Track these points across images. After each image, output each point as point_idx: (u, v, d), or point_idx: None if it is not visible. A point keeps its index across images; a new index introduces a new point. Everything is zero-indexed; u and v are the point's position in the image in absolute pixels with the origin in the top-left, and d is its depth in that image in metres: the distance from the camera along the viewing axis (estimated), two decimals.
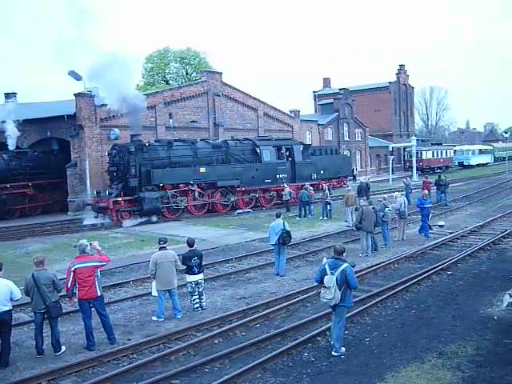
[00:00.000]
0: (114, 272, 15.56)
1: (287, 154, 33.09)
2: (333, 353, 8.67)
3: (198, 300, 11.58)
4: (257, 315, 10.70)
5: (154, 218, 26.84)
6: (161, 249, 11.24)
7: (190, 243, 11.84)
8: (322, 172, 36.76)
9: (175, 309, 11.20)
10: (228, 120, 41.01)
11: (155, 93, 36.87)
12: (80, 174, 31.48)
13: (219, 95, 40.00)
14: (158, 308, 11.06)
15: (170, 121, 36.46)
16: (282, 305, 11.37)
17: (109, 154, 27.62)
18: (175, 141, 29.54)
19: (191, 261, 11.46)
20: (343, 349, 8.78)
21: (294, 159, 33.28)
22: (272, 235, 14.77)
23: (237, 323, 10.27)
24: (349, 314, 10.33)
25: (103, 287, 10.91)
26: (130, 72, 27.31)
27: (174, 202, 27.38)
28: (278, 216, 15.15)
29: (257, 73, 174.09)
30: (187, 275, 11.66)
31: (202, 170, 28.56)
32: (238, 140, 33.29)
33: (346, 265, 8.60)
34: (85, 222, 26.33)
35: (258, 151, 31.64)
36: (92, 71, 25.61)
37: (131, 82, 29.75)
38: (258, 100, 44.53)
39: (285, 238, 14.55)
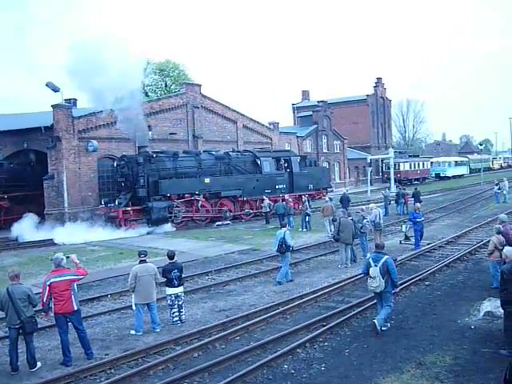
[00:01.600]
0: (92, 286, 15.37)
1: (285, 165, 34.21)
2: (382, 328, 10.25)
3: (177, 313, 11.48)
4: (236, 328, 10.65)
5: (167, 230, 27.29)
6: (141, 262, 11.14)
7: (170, 256, 11.76)
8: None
9: (154, 322, 11.09)
10: (207, 132, 40.97)
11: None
12: (57, 186, 31.05)
13: (198, 107, 39.99)
14: (137, 322, 10.93)
15: (150, 133, 36.30)
16: (261, 317, 11.33)
17: (117, 165, 28.27)
18: (182, 152, 30.73)
19: (171, 273, 11.39)
20: (388, 325, 10.52)
21: (291, 170, 34.34)
22: (275, 243, 15.44)
23: (216, 336, 10.20)
24: (328, 326, 10.39)
25: (80, 301, 10.76)
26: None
27: (178, 212, 28.03)
28: (282, 226, 16.01)
29: (236, 85, 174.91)
30: (167, 288, 11.58)
31: (207, 180, 29.57)
32: (239, 151, 34.93)
33: (386, 257, 10.33)
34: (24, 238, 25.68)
35: (259, 162, 32.82)
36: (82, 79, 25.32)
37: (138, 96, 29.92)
38: (238, 112, 44.63)
39: (280, 247, 15.09)
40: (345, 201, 28.93)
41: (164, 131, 37.67)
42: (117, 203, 27.14)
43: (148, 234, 26.68)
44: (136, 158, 27.63)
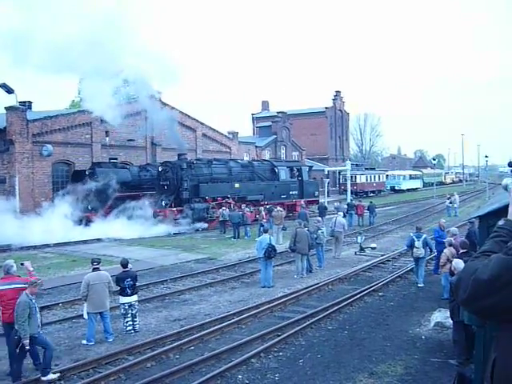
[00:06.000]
0: (42, 294, 14.88)
1: (297, 173, 38.07)
2: (419, 285, 15.29)
3: (130, 322, 11.28)
4: (191, 337, 10.55)
5: (202, 226, 29.85)
6: (94, 270, 10.92)
7: (124, 264, 11.57)
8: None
9: (107, 332, 10.86)
10: (166, 140, 40.67)
11: (90, 110, 36.03)
12: (9, 190, 30.17)
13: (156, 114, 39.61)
14: (89, 331, 10.68)
15: (107, 139, 35.77)
16: (216, 327, 11.27)
17: (162, 170, 30.86)
18: (214, 160, 34.18)
19: (124, 282, 11.19)
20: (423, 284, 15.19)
21: (302, 178, 38.22)
22: (259, 249, 15.75)
23: (170, 346, 10.07)
24: (283, 336, 10.42)
25: None
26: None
27: (213, 213, 30.79)
28: (265, 231, 16.56)
29: (196, 95, 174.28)
30: (120, 297, 11.37)
31: (237, 185, 33.10)
32: (259, 161, 40.20)
33: (425, 235, 15.69)
34: None
35: (276, 171, 36.54)
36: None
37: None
38: (197, 120, 44.52)
39: (270, 252, 15.43)
40: (322, 210, 30.92)
41: (122, 137, 37.19)
42: (163, 204, 29.55)
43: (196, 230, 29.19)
44: (180, 164, 30.61)
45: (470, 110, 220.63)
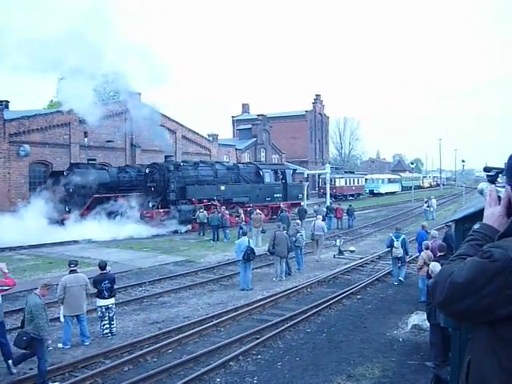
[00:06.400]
0: (18, 296, 14.65)
1: (281, 176, 38.40)
2: (395, 283, 16.07)
3: (107, 325, 11.16)
4: (169, 340, 10.48)
5: (184, 229, 30.00)
6: (71, 272, 10.78)
7: (102, 266, 11.45)
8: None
9: (83, 335, 10.72)
10: (145, 141, 40.42)
11: (70, 110, 35.67)
12: None
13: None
14: (65, 334, 10.53)
15: (85, 139, 35.39)
16: (195, 329, 11.22)
17: (149, 172, 30.95)
18: (200, 162, 34.76)
19: (102, 284, 11.08)
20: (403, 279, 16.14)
21: (286, 181, 38.50)
22: (238, 252, 15.70)
23: (148, 349, 9.98)
24: (261, 339, 10.41)
25: (5, 312, 10.28)
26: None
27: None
28: (244, 234, 16.90)
29: (175, 96, 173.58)
30: (97, 299, 11.25)
31: (223, 187, 33.24)
32: (244, 163, 40.81)
33: (403, 236, 16.28)
34: None
35: (261, 173, 36.84)
36: None
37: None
38: (177, 122, 44.34)
39: (249, 255, 15.42)
40: (302, 213, 30.84)
41: (101, 138, 36.85)
42: (150, 205, 29.76)
43: (175, 232, 29.40)
44: (167, 166, 30.78)
45: (447, 116, 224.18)
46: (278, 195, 37.64)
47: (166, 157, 33.14)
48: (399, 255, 15.88)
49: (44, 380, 8.51)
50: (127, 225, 27.87)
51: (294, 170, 43.63)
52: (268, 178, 37.34)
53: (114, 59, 31.04)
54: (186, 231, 29.99)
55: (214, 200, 32.14)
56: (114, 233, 26.97)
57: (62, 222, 27.49)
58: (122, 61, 32.86)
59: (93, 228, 26.76)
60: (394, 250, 15.92)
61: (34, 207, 27.20)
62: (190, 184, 31.55)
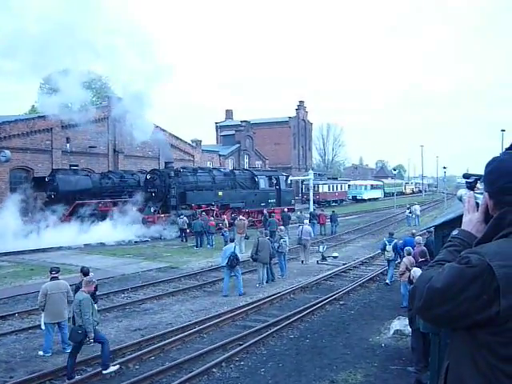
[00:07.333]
0: None
1: (275, 182, 39.39)
2: (387, 281, 17.16)
3: None
4: (152, 347, 10.41)
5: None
6: (52, 279, 10.64)
7: (85, 272, 11.32)
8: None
9: (64, 342, 10.58)
10: (128, 147, 40.21)
11: (52, 115, 35.36)
12: None
13: (120, 121, 39.16)
14: (46, 342, 10.39)
15: (68, 145, 35.09)
16: (178, 336, 11.16)
17: (150, 178, 31.79)
18: (199, 169, 35.91)
19: None
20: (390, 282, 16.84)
21: (280, 187, 39.57)
22: (223, 257, 15.87)
23: (130, 356, 9.91)
24: (244, 345, 10.40)
25: None
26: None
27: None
28: (231, 240, 17.23)
29: (158, 101, 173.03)
30: None
31: (220, 193, 34.21)
32: (240, 170, 41.91)
33: (395, 240, 17.27)
34: None
35: (256, 179, 37.81)
36: None
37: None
38: (160, 128, 44.15)
39: (232, 261, 15.53)
40: (285, 219, 31.13)
41: (84, 144, 36.58)
42: (152, 210, 30.34)
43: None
44: (168, 172, 31.76)
45: (429, 122, 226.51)
46: (272, 201, 38.69)
47: (166, 163, 34.30)
48: (390, 258, 16.91)
49: (107, 363, 9.03)
50: (107, 231, 27.69)
51: (287, 176, 44.63)
52: (263, 184, 38.41)
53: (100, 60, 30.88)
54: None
55: (212, 205, 33.07)
56: (98, 239, 26.75)
57: (43, 229, 27.14)
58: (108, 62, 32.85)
59: (75, 234, 26.50)
60: (386, 252, 17.10)
61: (14, 213, 26.84)
62: (190, 190, 32.37)
